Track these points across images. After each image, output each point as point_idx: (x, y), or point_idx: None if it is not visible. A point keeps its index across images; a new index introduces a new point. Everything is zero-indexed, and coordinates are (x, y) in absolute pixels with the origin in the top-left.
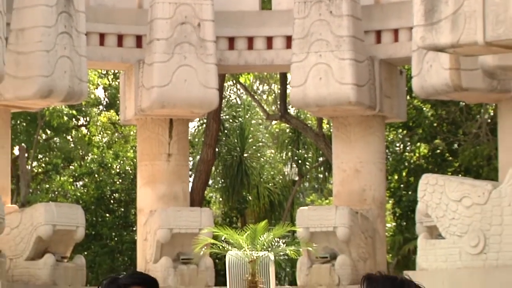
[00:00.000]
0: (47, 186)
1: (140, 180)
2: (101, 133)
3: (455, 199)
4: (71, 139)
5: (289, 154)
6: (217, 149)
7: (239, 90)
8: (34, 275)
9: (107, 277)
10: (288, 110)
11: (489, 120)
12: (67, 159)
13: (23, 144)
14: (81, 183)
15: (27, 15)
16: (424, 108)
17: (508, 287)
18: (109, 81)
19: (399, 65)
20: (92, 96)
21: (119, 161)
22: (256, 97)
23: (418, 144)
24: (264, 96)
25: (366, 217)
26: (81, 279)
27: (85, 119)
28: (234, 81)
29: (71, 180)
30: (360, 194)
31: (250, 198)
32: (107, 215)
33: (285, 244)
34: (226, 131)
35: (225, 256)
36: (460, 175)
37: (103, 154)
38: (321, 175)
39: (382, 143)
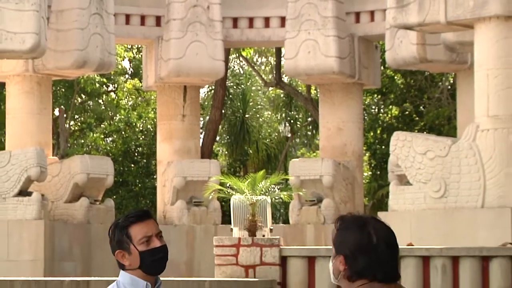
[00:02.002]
0: (82, 141)
1: (160, 137)
2: (127, 97)
3: (420, 152)
4: (102, 102)
5: (283, 115)
6: (223, 111)
7: (242, 61)
8: (72, 215)
9: (114, 220)
10: (282, 79)
11: (449, 87)
12: (99, 119)
13: (62, 106)
14: (110, 139)
15: None
16: (395, 77)
17: (464, 225)
18: (134, 54)
19: (374, 41)
20: (119, 66)
21: (142, 120)
22: (255, 67)
23: (390, 106)
24: (262, 67)
25: (347, 167)
26: (110, 219)
27: (113, 85)
28: (237, 54)
29: (102, 136)
30: (342, 148)
31: (250, 151)
32: (132, 165)
33: (279, 190)
34: (230, 96)
35: (230, 199)
36: (425, 132)
37: (129, 115)
38: (309, 133)
39: (360, 106)
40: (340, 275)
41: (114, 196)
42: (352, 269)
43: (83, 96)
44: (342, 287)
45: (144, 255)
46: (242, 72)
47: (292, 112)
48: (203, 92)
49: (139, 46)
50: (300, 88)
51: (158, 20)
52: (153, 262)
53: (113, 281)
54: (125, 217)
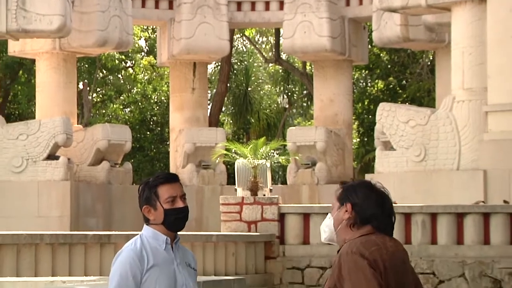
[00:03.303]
0: (104, 111)
1: (172, 107)
2: (143, 72)
3: (403, 121)
4: (121, 77)
5: (282, 88)
6: (228, 85)
7: (245, 41)
8: (94, 177)
9: (144, 179)
10: (281, 56)
11: (429, 63)
12: (118, 92)
13: (85, 80)
14: (128, 109)
15: None
16: (381, 54)
17: (442, 185)
18: (149, 34)
19: (363, 22)
20: (136, 45)
21: (156, 93)
22: (257, 46)
23: (377, 80)
24: (263, 45)
25: (338, 134)
26: (129, 180)
27: (131, 62)
28: (241, 34)
29: (121, 107)
30: (333, 118)
31: (252, 120)
32: (148, 133)
33: (278, 154)
34: (235, 71)
35: (234, 163)
36: (407, 103)
37: (145, 88)
38: (305, 104)
39: (350, 80)
40: (341, 225)
41: (132, 160)
42: (359, 215)
43: (104, 71)
44: (340, 238)
45: (168, 213)
46: (245, 50)
47: (290, 86)
48: (210, 68)
49: (154, 27)
50: (297, 64)
51: (170, 3)
52: (176, 220)
53: (133, 235)
54: (155, 177)
